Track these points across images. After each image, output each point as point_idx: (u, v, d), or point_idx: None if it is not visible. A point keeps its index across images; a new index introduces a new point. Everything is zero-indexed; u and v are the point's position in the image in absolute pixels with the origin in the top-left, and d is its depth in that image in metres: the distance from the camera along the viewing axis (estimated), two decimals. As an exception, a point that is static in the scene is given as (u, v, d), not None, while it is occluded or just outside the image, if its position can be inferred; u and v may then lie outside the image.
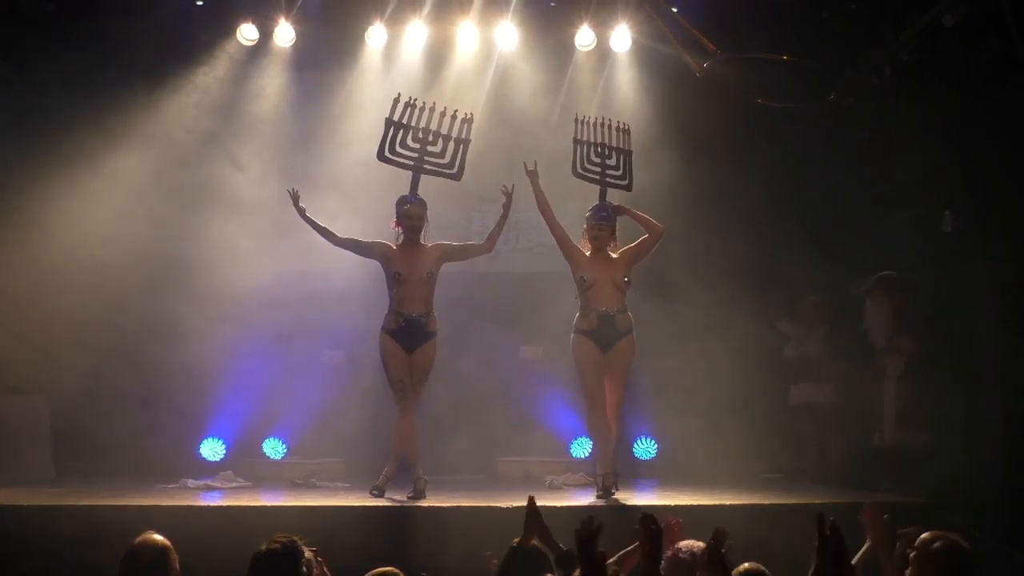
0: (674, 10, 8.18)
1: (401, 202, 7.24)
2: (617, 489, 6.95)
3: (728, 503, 6.59)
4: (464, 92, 9.66)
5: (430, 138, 7.28)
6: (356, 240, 7.26)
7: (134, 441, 8.64)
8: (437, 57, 9.42)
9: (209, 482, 7.86)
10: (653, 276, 8.25)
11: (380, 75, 9.58)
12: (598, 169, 7.35)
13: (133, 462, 8.47)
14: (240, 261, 8.80)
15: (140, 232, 9.00)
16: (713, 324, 8.59)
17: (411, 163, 7.25)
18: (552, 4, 9.16)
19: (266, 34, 9.18)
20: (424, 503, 6.68)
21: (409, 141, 7.28)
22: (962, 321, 7.54)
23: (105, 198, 8.76)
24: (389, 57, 9.49)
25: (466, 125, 7.38)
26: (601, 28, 9.05)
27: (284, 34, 9.09)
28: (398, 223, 7.25)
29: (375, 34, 9.19)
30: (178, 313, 8.81)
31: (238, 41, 9.18)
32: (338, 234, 7.27)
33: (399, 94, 7.43)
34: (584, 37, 9.14)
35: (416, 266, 7.15)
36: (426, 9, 9.09)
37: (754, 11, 8.28)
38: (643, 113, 8.85)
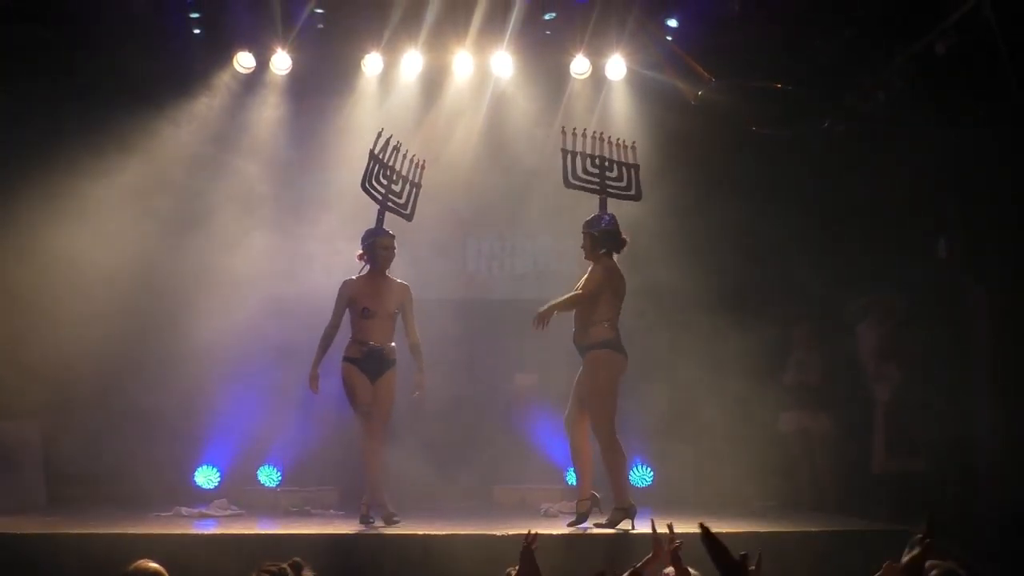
0: (668, 38, 8.22)
1: (373, 234, 7.26)
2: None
3: (726, 531, 6.52)
4: (459, 119, 9.71)
5: (394, 177, 7.44)
6: (338, 310, 7.27)
7: (127, 468, 8.58)
8: (433, 84, 9.46)
9: (203, 510, 7.80)
10: (650, 300, 8.25)
11: (376, 102, 9.62)
12: (596, 180, 7.19)
13: (126, 490, 8.40)
14: (234, 291, 8.78)
15: (133, 260, 8.96)
16: (706, 349, 8.58)
17: (380, 198, 7.37)
18: (548, 33, 9.21)
19: (263, 62, 9.23)
20: (420, 531, 6.61)
21: (381, 177, 7.40)
22: (955, 345, 7.54)
23: (98, 225, 8.75)
24: (385, 85, 9.54)
25: (419, 170, 7.56)
26: (596, 56, 9.10)
27: (280, 62, 9.15)
28: (366, 255, 7.25)
29: (371, 62, 9.24)
30: (172, 342, 8.79)
31: (235, 69, 9.22)
32: (328, 330, 7.27)
33: (383, 129, 7.52)
34: (579, 65, 9.19)
35: (384, 301, 7.20)
36: (422, 38, 9.14)
37: (748, 39, 8.33)
38: (639, 140, 8.86)
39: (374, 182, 7.36)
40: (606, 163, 7.17)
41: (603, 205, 7.11)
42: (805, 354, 8.25)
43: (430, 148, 9.89)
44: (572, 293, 6.75)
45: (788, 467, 8.63)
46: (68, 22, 8.61)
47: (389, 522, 6.78)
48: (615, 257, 6.87)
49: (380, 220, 7.34)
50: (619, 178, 7.17)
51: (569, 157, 7.19)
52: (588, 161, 7.18)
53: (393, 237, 7.33)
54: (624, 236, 6.90)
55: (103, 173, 8.75)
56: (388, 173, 7.41)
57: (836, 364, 8.27)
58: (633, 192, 7.19)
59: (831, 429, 8.12)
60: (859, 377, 8.04)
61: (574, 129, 7.30)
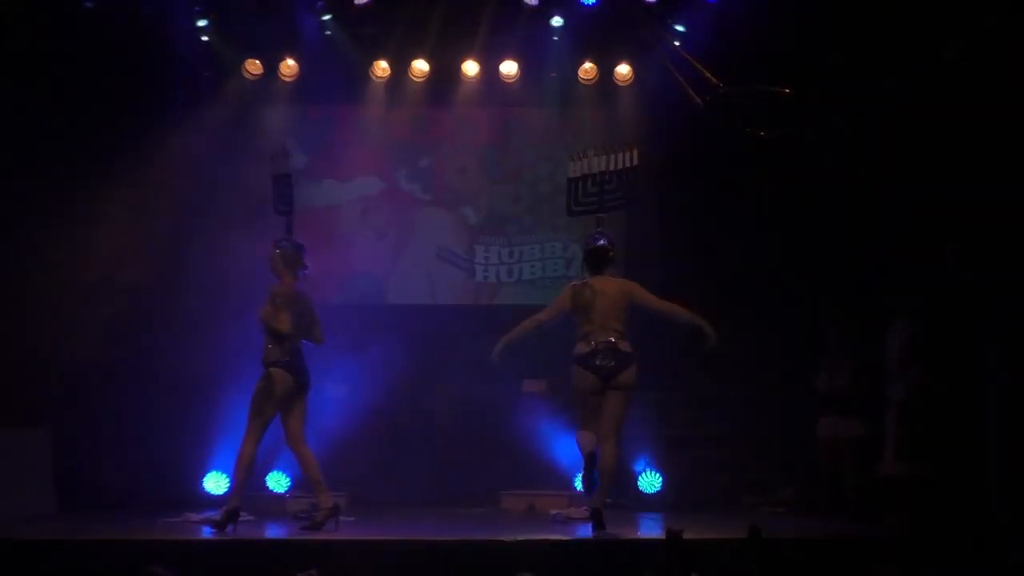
0: (677, 44, 8.21)
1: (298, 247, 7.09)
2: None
3: (737, 537, 6.50)
4: (467, 125, 9.75)
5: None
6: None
7: (136, 475, 8.59)
8: (441, 91, 9.49)
9: (212, 516, 7.79)
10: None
11: (384, 109, 9.66)
12: (594, 199, 7.08)
13: (135, 496, 8.41)
14: (243, 296, 8.78)
15: (143, 266, 9.01)
16: (720, 354, 8.56)
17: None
18: (556, 39, 9.24)
19: (271, 69, 9.29)
20: (427, 536, 6.59)
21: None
22: (965, 354, 7.49)
23: (109, 230, 8.80)
24: (393, 91, 9.58)
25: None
26: (604, 61, 9.13)
27: (288, 69, 9.22)
28: (301, 267, 7.11)
29: (379, 70, 9.31)
30: (181, 349, 8.81)
31: (243, 77, 9.28)
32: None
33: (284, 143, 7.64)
34: (587, 70, 9.22)
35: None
36: (430, 46, 9.19)
37: (757, 48, 8.35)
38: (646, 144, 8.87)
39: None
40: (605, 177, 7.04)
41: (598, 221, 7.07)
42: (836, 359, 8.17)
43: (439, 155, 10.00)
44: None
45: (808, 472, 8.58)
46: (76, 31, 8.67)
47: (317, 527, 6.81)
48: (604, 272, 6.85)
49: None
50: (616, 188, 7.02)
51: (573, 185, 7.13)
52: (589, 181, 7.08)
53: None
54: (603, 252, 6.87)
55: (113, 178, 8.80)
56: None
57: (866, 370, 8.17)
58: (628, 199, 7.08)
59: (859, 436, 8.01)
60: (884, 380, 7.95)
61: (579, 152, 7.21)
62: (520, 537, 6.11)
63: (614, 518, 6.98)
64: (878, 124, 8.24)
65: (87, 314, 8.72)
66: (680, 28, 8.89)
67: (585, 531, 6.98)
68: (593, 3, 8.89)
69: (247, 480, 6.97)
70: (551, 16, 9.11)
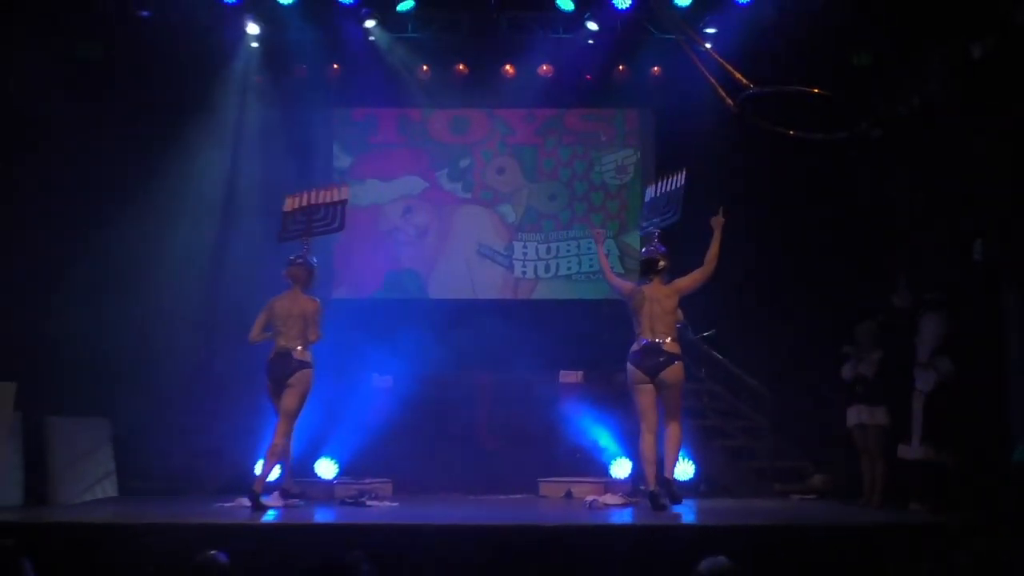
0: (708, 46, 8.19)
1: None
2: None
3: (770, 524, 6.50)
4: (505, 127, 9.79)
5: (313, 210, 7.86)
6: None
7: (191, 462, 8.72)
8: (479, 93, 9.55)
9: (265, 501, 7.88)
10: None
11: (425, 112, 9.74)
12: (658, 218, 7.54)
13: (192, 482, 8.53)
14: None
15: (198, 263, 9.18)
16: (751, 346, 8.57)
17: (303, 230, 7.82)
18: (591, 42, 9.27)
19: (317, 74, 9.43)
20: (469, 522, 6.63)
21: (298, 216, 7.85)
22: (991, 345, 7.41)
23: (171, 228, 8.99)
24: (434, 94, 9.67)
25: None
26: (635, 63, 9.15)
27: (333, 74, 9.40)
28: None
29: (420, 73, 9.44)
30: (235, 343, 8.92)
31: (290, 81, 9.43)
32: None
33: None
34: (620, 73, 9.25)
35: None
36: (469, 50, 9.27)
37: (784, 51, 8.31)
38: (677, 146, 8.88)
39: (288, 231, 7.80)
40: (663, 199, 7.47)
41: (654, 235, 7.48)
42: (865, 350, 8.11)
43: (478, 155, 10.05)
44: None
45: (836, 460, 8.53)
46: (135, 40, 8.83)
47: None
48: (654, 280, 7.22)
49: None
50: (668, 205, 7.45)
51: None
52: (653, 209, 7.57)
53: None
54: (653, 262, 7.27)
55: (168, 177, 8.96)
56: (306, 211, 7.78)
57: (893, 362, 8.10)
58: (674, 216, 7.40)
59: (886, 425, 7.94)
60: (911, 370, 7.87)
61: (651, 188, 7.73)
62: (560, 523, 6.13)
63: (647, 506, 7.00)
64: (906, 121, 8.16)
65: (149, 309, 8.87)
66: (711, 30, 8.87)
67: (620, 517, 7.02)
68: (626, 8, 8.89)
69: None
70: (586, 20, 9.13)
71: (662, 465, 7.07)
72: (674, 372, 7.06)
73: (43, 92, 8.13)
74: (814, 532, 6.20)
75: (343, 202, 7.96)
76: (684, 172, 7.43)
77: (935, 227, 8.03)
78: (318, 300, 7.61)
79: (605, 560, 5.69)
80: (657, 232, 7.45)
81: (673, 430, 7.12)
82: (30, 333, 7.99)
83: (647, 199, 7.81)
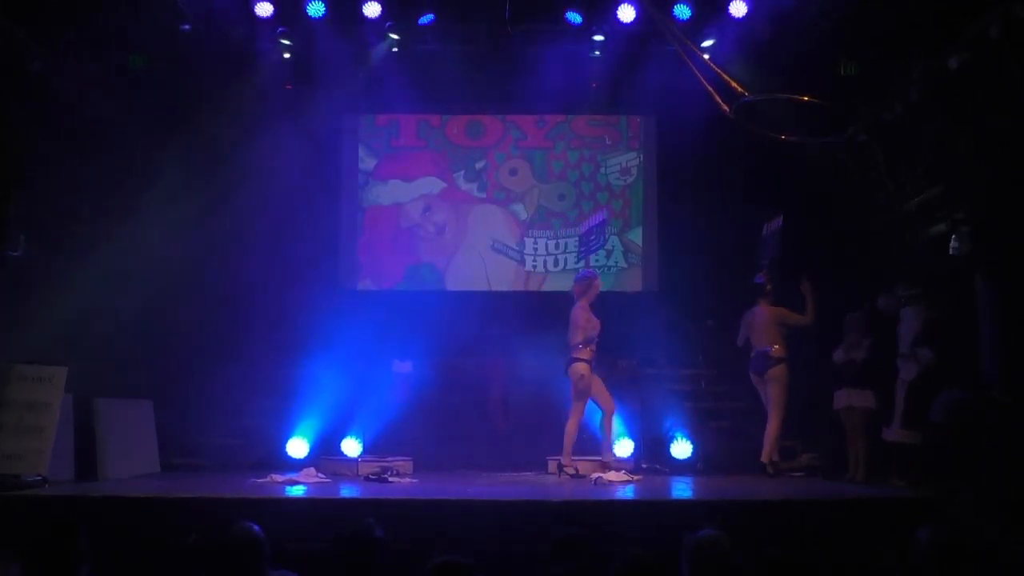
0: (706, 57, 8.20)
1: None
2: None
3: (765, 499, 6.55)
4: (517, 131, 9.80)
5: None
6: None
7: (228, 440, 8.79)
8: (494, 100, 9.58)
9: (294, 476, 7.95)
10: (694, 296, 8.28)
11: (444, 117, 9.76)
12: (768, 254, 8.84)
13: (228, 459, 8.60)
14: (322, 285, 9.02)
15: (234, 260, 9.27)
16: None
17: None
18: (597, 53, 9.30)
19: (344, 82, 9.48)
20: (481, 497, 6.65)
21: None
22: (967, 332, 7.40)
23: (196, 222, 9.04)
24: (452, 101, 9.71)
25: None
26: (640, 73, 9.17)
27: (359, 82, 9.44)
28: None
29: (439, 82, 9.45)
30: (269, 327, 9.04)
31: (318, 89, 9.48)
32: None
33: None
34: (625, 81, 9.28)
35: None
36: (485, 60, 9.31)
37: (777, 62, 8.31)
38: (677, 150, 8.88)
39: None
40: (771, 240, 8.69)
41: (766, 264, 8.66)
42: (856, 337, 8.11)
43: (492, 158, 10.07)
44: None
45: (824, 439, 8.54)
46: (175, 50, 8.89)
47: None
48: (763, 302, 8.36)
49: None
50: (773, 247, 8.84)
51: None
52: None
53: None
54: (757, 288, 8.43)
55: (210, 176, 9.06)
56: None
57: (882, 348, 8.09)
58: (776, 251, 8.77)
59: (873, 407, 7.94)
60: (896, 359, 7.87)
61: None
62: (568, 499, 6.16)
63: (648, 482, 7.03)
64: (890, 126, 8.15)
65: (185, 302, 8.95)
66: (709, 42, 8.87)
67: (623, 492, 7.06)
68: (630, 22, 8.90)
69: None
70: (593, 32, 9.14)
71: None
72: (776, 372, 8.18)
73: (96, 100, 8.21)
74: (800, 506, 6.24)
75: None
76: (781, 217, 8.57)
77: (916, 224, 8.02)
78: None
79: (609, 532, 5.73)
80: (766, 263, 8.58)
81: (774, 421, 8.17)
82: (80, 321, 8.06)
83: (763, 235, 8.88)
